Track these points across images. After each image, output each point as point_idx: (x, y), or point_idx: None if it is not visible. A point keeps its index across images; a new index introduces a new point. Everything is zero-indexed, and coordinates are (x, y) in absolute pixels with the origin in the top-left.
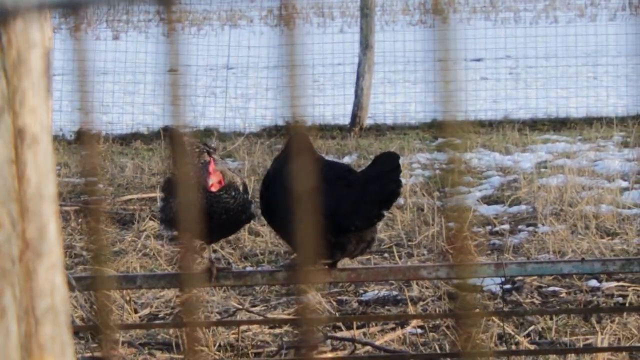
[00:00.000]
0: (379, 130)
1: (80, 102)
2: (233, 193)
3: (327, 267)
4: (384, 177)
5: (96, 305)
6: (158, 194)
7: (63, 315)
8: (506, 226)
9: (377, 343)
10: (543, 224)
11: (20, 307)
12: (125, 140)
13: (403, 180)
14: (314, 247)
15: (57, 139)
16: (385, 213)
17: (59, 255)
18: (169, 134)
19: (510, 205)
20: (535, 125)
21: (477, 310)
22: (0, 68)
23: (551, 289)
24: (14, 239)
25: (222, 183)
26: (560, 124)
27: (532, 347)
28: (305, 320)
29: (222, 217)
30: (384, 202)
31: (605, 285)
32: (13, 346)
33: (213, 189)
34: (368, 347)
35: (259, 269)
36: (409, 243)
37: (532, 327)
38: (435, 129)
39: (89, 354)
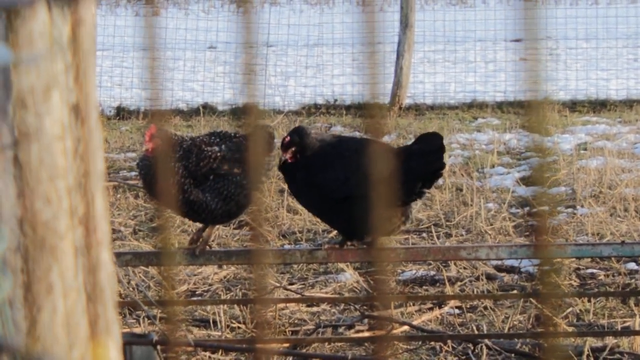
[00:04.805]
0: (418, 109)
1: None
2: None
3: (365, 246)
4: (427, 156)
5: (164, 280)
6: None
7: (109, 293)
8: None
9: (415, 323)
10: (582, 206)
11: (66, 284)
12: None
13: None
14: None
15: None
16: (426, 191)
17: (105, 231)
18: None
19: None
20: (575, 106)
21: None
22: (57, 45)
23: (589, 271)
24: (62, 216)
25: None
26: (600, 106)
27: (570, 329)
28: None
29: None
30: (426, 180)
31: None
32: (59, 323)
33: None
34: (405, 327)
35: (298, 247)
36: (448, 223)
37: (570, 309)
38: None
39: (126, 330)
